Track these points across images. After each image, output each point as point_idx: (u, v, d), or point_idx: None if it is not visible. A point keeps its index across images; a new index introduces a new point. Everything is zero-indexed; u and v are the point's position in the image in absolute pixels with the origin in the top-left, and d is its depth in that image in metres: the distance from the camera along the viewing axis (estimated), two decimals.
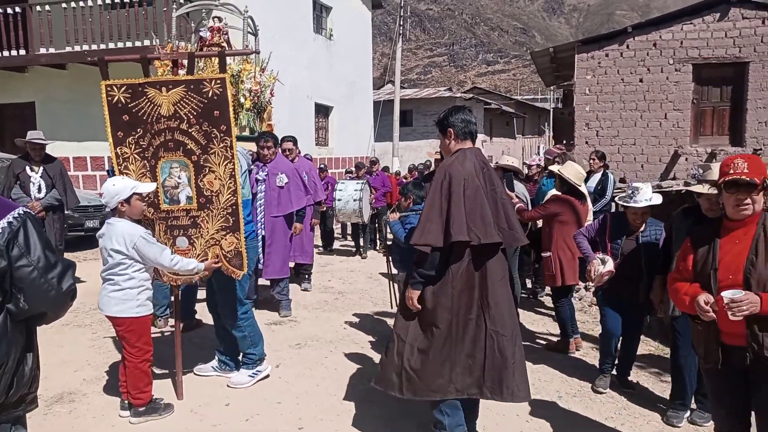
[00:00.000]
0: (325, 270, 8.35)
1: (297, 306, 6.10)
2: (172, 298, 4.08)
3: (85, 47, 12.39)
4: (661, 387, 4.13)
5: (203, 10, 5.51)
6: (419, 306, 2.96)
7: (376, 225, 10.41)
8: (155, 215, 3.60)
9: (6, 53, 12.87)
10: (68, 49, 12.55)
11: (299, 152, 6.58)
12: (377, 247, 10.44)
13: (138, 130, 3.51)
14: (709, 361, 2.50)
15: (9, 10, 12.54)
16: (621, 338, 4.13)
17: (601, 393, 4.00)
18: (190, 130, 3.50)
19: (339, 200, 8.68)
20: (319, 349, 4.78)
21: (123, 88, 3.47)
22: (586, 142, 12.07)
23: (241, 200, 3.61)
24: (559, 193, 4.95)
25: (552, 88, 24.93)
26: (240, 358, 4.14)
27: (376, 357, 4.47)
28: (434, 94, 25.95)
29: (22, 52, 12.86)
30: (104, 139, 5.39)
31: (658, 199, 3.87)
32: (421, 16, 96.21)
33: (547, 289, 6.18)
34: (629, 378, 4.17)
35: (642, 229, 3.97)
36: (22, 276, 1.65)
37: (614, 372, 4.16)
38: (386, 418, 3.50)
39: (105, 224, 3.41)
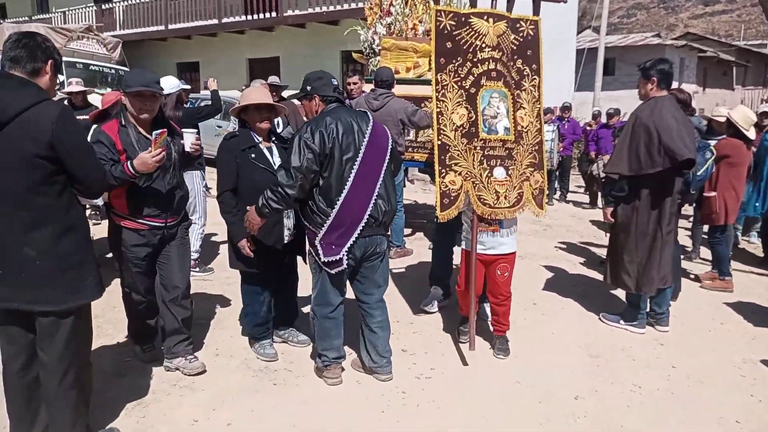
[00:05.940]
0: None
1: None
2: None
3: (324, 8, 14.46)
4: None
5: None
6: (612, 219, 4.00)
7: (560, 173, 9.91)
8: (472, 144, 3.46)
9: (261, 15, 15.54)
10: (309, 10, 14.76)
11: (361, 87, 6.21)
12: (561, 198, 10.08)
13: (458, 58, 3.48)
14: None
15: None
16: None
17: None
18: (508, 64, 3.58)
19: None
20: None
21: (450, 15, 3.49)
22: None
23: (544, 139, 3.73)
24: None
25: None
26: None
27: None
28: (641, 41, 24.56)
29: (273, 14, 15.42)
30: None
31: None
32: None
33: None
34: None
35: None
36: None
37: None
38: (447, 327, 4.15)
39: None
